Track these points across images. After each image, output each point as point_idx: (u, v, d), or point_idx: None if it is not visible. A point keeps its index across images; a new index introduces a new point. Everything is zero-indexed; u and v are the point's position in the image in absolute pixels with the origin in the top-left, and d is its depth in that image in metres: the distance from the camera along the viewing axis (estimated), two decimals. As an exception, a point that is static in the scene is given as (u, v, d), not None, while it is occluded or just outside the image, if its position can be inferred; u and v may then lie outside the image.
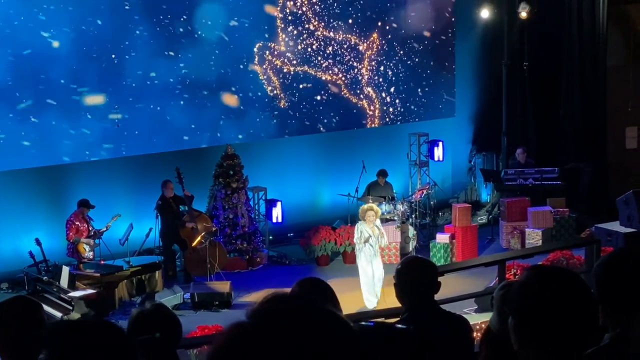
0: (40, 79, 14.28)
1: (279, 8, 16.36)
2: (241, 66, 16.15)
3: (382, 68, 17.54)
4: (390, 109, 17.75)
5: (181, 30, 15.47)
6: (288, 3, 16.44)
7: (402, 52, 17.71)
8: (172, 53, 15.44)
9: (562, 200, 16.24)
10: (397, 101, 17.78)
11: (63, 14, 14.32)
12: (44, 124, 14.37)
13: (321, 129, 17.19)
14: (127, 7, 14.95)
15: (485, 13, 17.92)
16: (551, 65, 18.45)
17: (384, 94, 17.61)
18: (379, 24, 17.41)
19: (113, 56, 14.88)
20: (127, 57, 15.01)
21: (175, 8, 15.37)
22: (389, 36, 17.55)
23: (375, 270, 12.76)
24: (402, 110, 17.88)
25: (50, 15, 14.21)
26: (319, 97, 16.97)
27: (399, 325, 4.06)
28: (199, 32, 15.64)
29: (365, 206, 13.19)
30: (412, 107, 17.99)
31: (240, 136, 16.28)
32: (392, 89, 17.69)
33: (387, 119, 17.79)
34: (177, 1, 15.38)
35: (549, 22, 18.21)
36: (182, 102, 15.63)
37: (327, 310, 1.96)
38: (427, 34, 17.96)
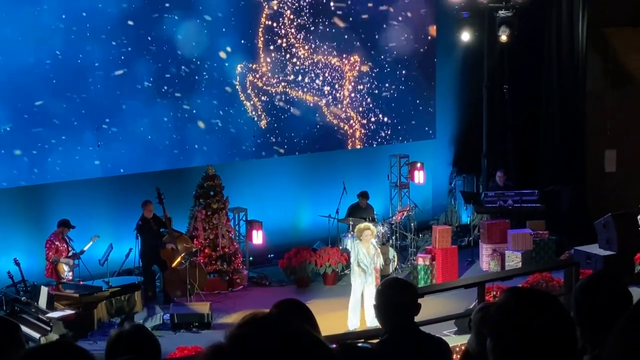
0: (20, 99, 14.24)
1: (261, 29, 16.41)
2: (223, 87, 16.16)
3: (363, 90, 17.60)
4: (371, 131, 17.80)
5: (165, 48, 15.48)
6: (270, 23, 16.49)
7: (383, 74, 17.77)
8: (152, 75, 15.43)
9: (542, 222, 16.31)
10: (377, 123, 17.83)
11: (49, 35, 14.33)
12: (25, 143, 14.32)
13: (302, 150, 17.21)
14: (108, 27, 14.95)
15: (465, 36, 18.02)
16: (531, 88, 18.57)
17: (364, 116, 17.66)
18: (360, 45, 17.48)
19: (91, 80, 14.86)
20: (107, 79, 14.99)
21: (156, 31, 15.38)
22: (371, 58, 17.62)
23: (367, 292, 12.53)
24: (382, 132, 17.93)
25: (31, 36, 14.20)
26: (299, 118, 16.99)
27: (360, 344, 4.06)
28: (180, 53, 15.66)
29: (362, 225, 12.94)
30: (393, 128, 18.04)
31: (221, 157, 16.27)
32: (373, 111, 17.74)
33: (368, 141, 17.83)
34: (157, 23, 15.39)
35: (528, 46, 18.34)
36: (162, 123, 15.62)
37: (305, 332, 1.96)
38: (408, 56, 18.03)
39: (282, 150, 16.98)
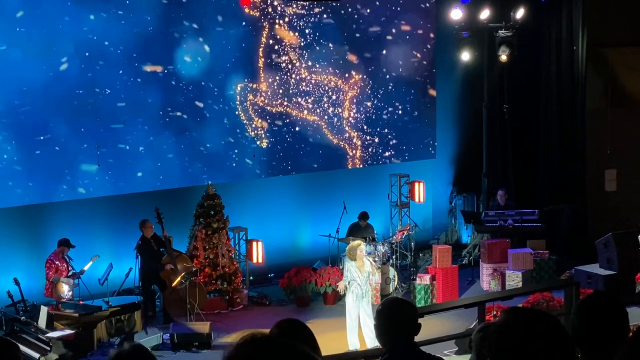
0: (21, 117, 14.28)
1: (261, 49, 16.46)
2: (222, 106, 16.20)
3: (363, 109, 17.63)
4: (371, 150, 17.82)
5: (166, 71, 15.53)
6: (270, 42, 16.54)
7: (383, 93, 17.81)
8: (152, 93, 15.47)
9: (542, 242, 16.30)
10: (378, 142, 17.85)
11: (55, 54, 14.39)
12: (26, 163, 14.34)
13: (302, 169, 17.22)
14: (109, 47, 15.00)
15: (465, 56, 18.06)
16: (531, 108, 18.61)
17: (365, 135, 17.68)
18: (361, 65, 17.52)
19: (94, 96, 14.90)
20: (108, 98, 15.03)
21: (156, 51, 15.43)
22: (371, 78, 17.66)
23: (362, 312, 12.48)
24: (383, 151, 17.95)
25: (36, 56, 14.25)
26: (300, 138, 17.02)
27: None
28: (182, 72, 15.70)
29: (354, 243, 12.76)
30: (393, 148, 18.06)
31: (221, 176, 16.28)
32: (373, 130, 17.76)
33: (368, 160, 17.85)
34: (157, 43, 15.44)
35: (528, 65, 18.39)
36: (162, 142, 15.64)
37: (303, 354, 1.96)
38: (408, 76, 18.07)
39: (282, 170, 16.99)
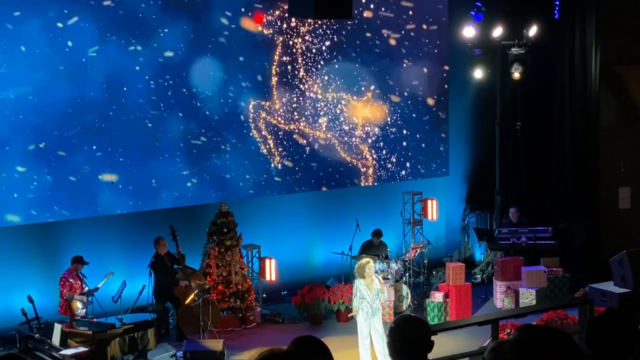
0: (37, 134, 14.36)
1: (274, 66, 16.51)
2: (235, 124, 16.24)
3: (376, 127, 17.65)
4: (384, 168, 17.83)
5: (183, 90, 15.59)
6: (284, 60, 16.59)
7: (396, 111, 17.82)
8: (165, 111, 15.52)
9: (556, 259, 16.25)
10: (390, 160, 17.86)
11: (75, 73, 14.47)
12: (39, 180, 14.41)
13: (315, 187, 17.24)
14: (125, 68, 15.08)
15: (478, 73, 18.09)
16: (544, 125, 18.60)
17: (378, 153, 17.70)
18: (373, 83, 17.55)
19: (110, 113, 14.97)
20: (123, 116, 15.10)
21: (169, 66, 15.49)
22: (383, 95, 17.68)
23: (373, 329, 12.46)
24: (395, 168, 17.96)
25: (60, 76, 14.34)
26: (313, 155, 17.04)
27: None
28: (193, 90, 15.75)
29: (363, 261, 12.75)
30: (406, 165, 18.07)
31: (234, 194, 16.31)
32: (386, 148, 17.78)
33: (381, 178, 17.85)
34: (170, 59, 15.51)
35: (541, 83, 18.39)
36: (175, 160, 15.69)
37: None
38: (420, 93, 18.10)
39: (295, 187, 17.01)
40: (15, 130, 14.16)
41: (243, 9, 16.11)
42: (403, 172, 18.06)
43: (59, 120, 14.54)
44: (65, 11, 14.37)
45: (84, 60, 14.63)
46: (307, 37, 16.81)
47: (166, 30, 15.37)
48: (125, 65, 15.05)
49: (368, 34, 17.44)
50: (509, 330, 12.31)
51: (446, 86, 18.44)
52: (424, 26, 18.06)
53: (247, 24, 16.19)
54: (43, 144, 14.41)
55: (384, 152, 17.77)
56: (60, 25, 14.36)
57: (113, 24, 14.83)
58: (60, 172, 14.60)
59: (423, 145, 18.21)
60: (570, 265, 16.58)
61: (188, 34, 15.59)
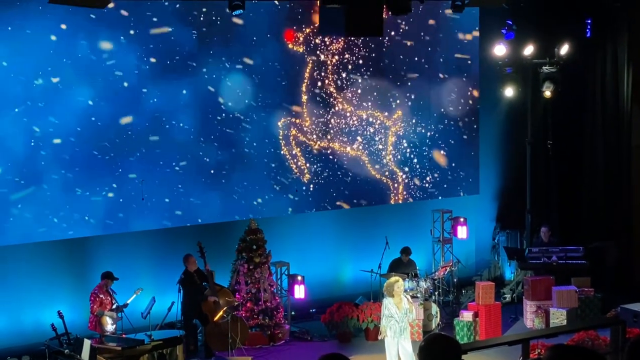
0: (67, 152, 14.47)
1: (305, 84, 16.54)
2: (266, 141, 16.28)
3: (406, 145, 17.63)
4: (414, 186, 17.79)
5: (214, 106, 15.67)
6: (314, 77, 16.63)
7: (426, 129, 17.80)
8: (194, 128, 15.59)
9: (587, 279, 16.10)
10: (420, 178, 17.83)
11: (102, 89, 14.59)
12: (68, 196, 14.51)
13: (344, 204, 17.23)
14: (145, 91, 15.18)
15: (509, 91, 18.04)
16: (575, 144, 18.49)
17: (407, 171, 17.67)
18: (404, 101, 17.55)
19: (146, 134, 15.08)
20: (150, 131, 15.19)
21: (198, 83, 15.57)
22: (414, 113, 17.67)
23: (401, 348, 12.39)
24: (425, 186, 17.91)
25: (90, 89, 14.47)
26: (342, 173, 17.04)
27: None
28: (223, 106, 15.80)
29: (392, 279, 12.70)
30: (436, 184, 18.02)
31: (263, 211, 16.33)
32: (415, 166, 17.75)
33: (411, 196, 17.81)
34: (199, 75, 15.59)
35: (573, 101, 18.30)
36: (204, 176, 15.74)
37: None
38: (451, 111, 18.07)
39: (324, 205, 17.00)
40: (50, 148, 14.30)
41: (273, 28, 16.17)
42: (433, 190, 18.01)
43: (94, 137, 14.65)
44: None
45: (126, 85, 14.77)
46: (337, 55, 16.83)
47: (202, 59, 15.49)
48: (156, 80, 15.16)
49: (399, 52, 17.43)
50: (539, 351, 12.19)
51: (477, 105, 18.39)
52: (456, 44, 18.03)
53: (278, 41, 16.24)
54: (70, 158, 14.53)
55: (413, 170, 17.73)
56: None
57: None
58: (91, 188, 14.70)
59: (453, 163, 18.16)
60: (601, 286, 16.42)
61: (220, 49, 15.68)
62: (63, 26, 14.26)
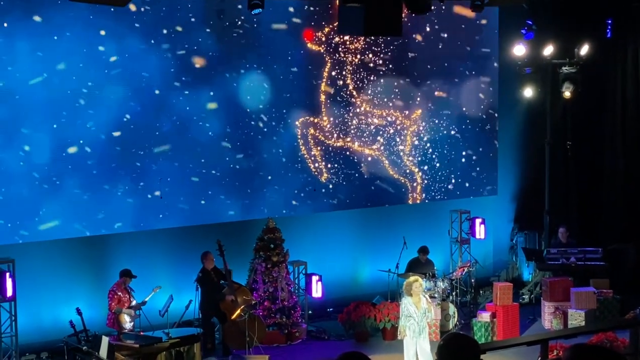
0: (85, 152, 14.54)
1: (323, 83, 16.55)
2: (284, 140, 16.29)
3: (424, 145, 17.61)
4: (432, 186, 17.76)
5: (232, 106, 15.70)
6: (333, 76, 16.63)
7: (444, 129, 17.77)
8: (213, 127, 15.62)
9: (606, 281, 16.02)
10: (438, 178, 17.79)
11: (123, 89, 14.65)
12: (87, 195, 14.56)
13: (362, 204, 17.22)
14: (157, 92, 15.22)
15: (528, 92, 17.99)
16: (594, 145, 18.41)
17: (426, 171, 17.64)
18: (422, 101, 17.52)
19: (150, 130, 15.13)
20: (169, 132, 15.23)
21: (218, 84, 15.60)
22: (432, 113, 17.65)
23: (419, 348, 12.35)
24: (443, 187, 17.88)
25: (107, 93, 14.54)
26: (360, 172, 17.04)
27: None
28: (242, 106, 15.84)
29: (411, 279, 12.67)
30: (454, 184, 17.99)
31: (281, 210, 16.35)
32: (434, 166, 17.72)
33: (429, 196, 17.79)
34: (220, 76, 15.62)
35: (592, 102, 18.22)
36: (223, 175, 15.77)
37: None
38: (470, 111, 18.03)
39: (342, 204, 17.00)
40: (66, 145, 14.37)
41: (293, 27, 16.18)
42: (451, 190, 17.97)
43: (117, 139, 14.72)
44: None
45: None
46: (356, 54, 16.82)
47: (215, 46, 15.52)
48: (177, 80, 15.21)
49: (418, 51, 17.41)
50: (557, 352, 12.15)
51: (496, 105, 18.34)
52: (475, 44, 17.99)
53: (297, 40, 16.25)
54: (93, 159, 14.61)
55: (431, 170, 17.71)
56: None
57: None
58: (111, 186, 14.75)
59: (472, 163, 18.13)
60: (620, 287, 16.34)
61: (238, 49, 15.71)
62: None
